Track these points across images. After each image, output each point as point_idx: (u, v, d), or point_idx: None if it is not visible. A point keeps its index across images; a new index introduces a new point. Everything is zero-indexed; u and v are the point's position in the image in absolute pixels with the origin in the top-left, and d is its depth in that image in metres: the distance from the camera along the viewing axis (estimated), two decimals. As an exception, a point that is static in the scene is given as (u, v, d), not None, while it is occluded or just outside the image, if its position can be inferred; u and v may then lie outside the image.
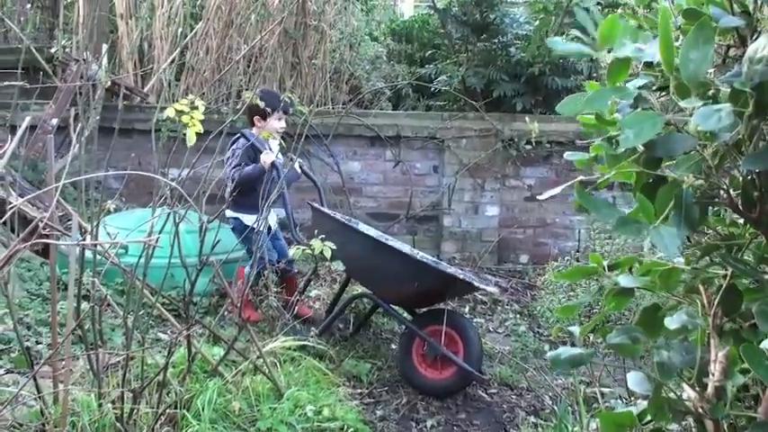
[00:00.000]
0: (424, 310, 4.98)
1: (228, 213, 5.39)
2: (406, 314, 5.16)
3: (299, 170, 5.57)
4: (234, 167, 5.22)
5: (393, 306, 4.96)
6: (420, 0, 12.16)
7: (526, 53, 7.76)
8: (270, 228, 5.33)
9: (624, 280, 1.77)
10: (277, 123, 5.39)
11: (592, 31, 1.61)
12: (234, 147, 5.34)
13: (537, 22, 7.94)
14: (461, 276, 4.64)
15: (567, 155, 1.83)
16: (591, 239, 7.23)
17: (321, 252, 4.32)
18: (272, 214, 5.34)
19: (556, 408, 4.45)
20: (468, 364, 4.54)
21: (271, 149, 5.29)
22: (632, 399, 1.87)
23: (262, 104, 5.06)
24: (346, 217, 5.48)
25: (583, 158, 1.77)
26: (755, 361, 1.35)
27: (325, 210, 4.97)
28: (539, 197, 1.86)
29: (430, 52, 9.57)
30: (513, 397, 4.82)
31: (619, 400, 4.28)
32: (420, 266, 4.63)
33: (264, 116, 5.35)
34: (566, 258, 7.01)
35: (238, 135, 5.42)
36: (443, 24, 8.45)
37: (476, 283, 4.71)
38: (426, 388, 4.72)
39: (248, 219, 5.26)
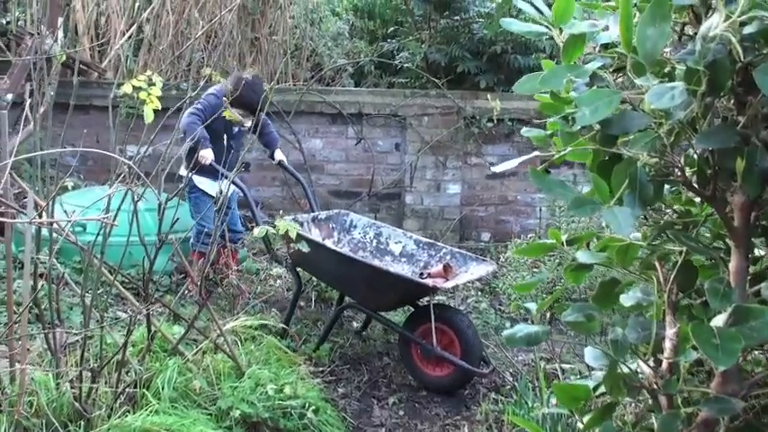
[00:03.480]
0: (421, 307, 4.83)
1: (182, 171, 5.33)
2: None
3: (281, 165, 5.72)
4: (192, 113, 5.11)
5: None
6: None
7: (488, 31, 7.76)
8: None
9: (581, 256, 1.79)
10: (239, 115, 5.03)
11: (545, 10, 1.61)
12: (205, 97, 5.30)
13: (499, 0, 7.95)
14: (432, 284, 4.59)
15: (524, 131, 1.83)
16: (552, 217, 7.29)
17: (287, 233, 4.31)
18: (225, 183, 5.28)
19: (516, 384, 4.50)
20: (467, 361, 4.47)
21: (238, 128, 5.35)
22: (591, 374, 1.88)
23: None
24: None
25: (539, 135, 1.77)
26: (703, 339, 1.36)
27: (303, 233, 4.74)
28: (493, 168, 1.85)
29: (392, 29, 9.53)
30: (475, 373, 4.86)
31: (578, 376, 4.33)
32: (392, 278, 4.61)
33: (233, 103, 4.95)
34: (528, 236, 7.06)
35: (214, 91, 5.39)
36: (406, 1, 8.41)
37: (448, 285, 4.71)
38: (430, 385, 4.68)
39: (203, 183, 5.32)
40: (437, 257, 5.14)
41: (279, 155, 5.85)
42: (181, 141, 4.96)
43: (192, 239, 5.39)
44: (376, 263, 5.01)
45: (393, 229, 5.51)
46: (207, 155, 5.05)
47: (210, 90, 5.41)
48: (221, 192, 5.19)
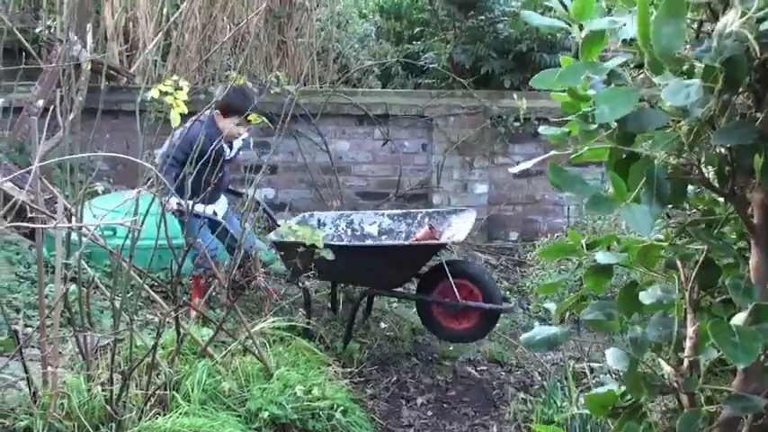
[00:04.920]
0: (428, 271, 4.95)
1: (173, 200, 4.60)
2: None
3: (259, 204, 5.17)
4: (170, 155, 4.52)
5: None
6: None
7: (513, 29, 7.74)
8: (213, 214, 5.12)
9: (602, 257, 1.78)
10: (234, 127, 4.94)
11: (568, 5, 1.60)
12: (184, 128, 4.59)
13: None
14: (433, 242, 4.72)
15: (541, 129, 1.83)
16: (580, 215, 7.26)
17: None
18: (219, 205, 5.24)
19: (545, 383, 4.49)
20: (491, 303, 4.63)
21: (230, 147, 5.10)
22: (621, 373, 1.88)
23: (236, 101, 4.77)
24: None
25: (557, 134, 1.76)
26: (722, 337, 1.36)
27: (291, 239, 4.60)
28: (510, 170, 1.85)
29: (418, 30, 9.53)
30: (503, 373, 4.86)
31: (608, 375, 4.31)
32: (390, 250, 4.71)
33: (225, 112, 4.89)
34: (556, 235, 7.03)
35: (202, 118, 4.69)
36: (431, 1, 8.41)
37: (445, 241, 4.76)
38: (457, 338, 4.88)
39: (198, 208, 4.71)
40: (415, 224, 5.21)
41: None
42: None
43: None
44: (384, 242, 5.13)
45: (362, 212, 5.57)
46: (170, 204, 4.48)
47: (196, 118, 4.74)
48: (215, 213, 5.17)
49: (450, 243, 4.82)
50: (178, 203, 4.59)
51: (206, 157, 3.75)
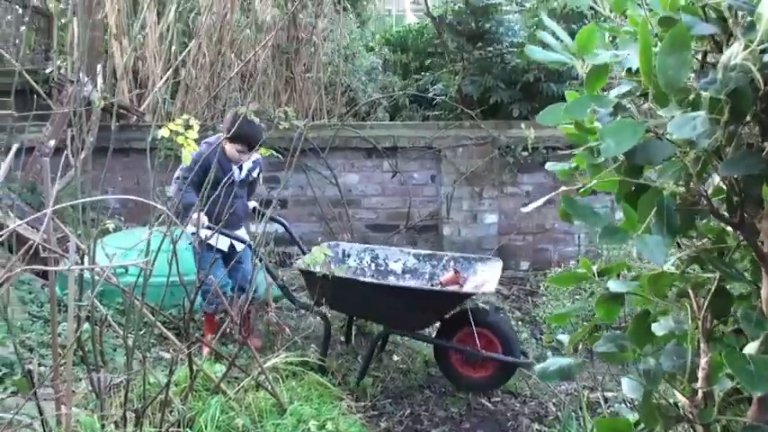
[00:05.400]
0: (451, 316, 4.87)
1: (190, 229, 4.55)
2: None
3: (272, 219, 5.17)
4: (176, 177, 4.82)
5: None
6: (417, 4, 12.15)
7: (520, 60, 7.79)
8: (231, 250, 5.19)
9: (613, 285, 1.78)
10: (236, 153, 5.03)
11: (568, 41, 1.62)
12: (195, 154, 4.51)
13: (531, 30, 7.99)
14: (463, 291, 4.66)
15: (548, 166, 1.84)
16: (591, 244, 7.25)
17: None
18: (242, 234, 5.22)
19: (559, 414, 4.46)
20: (509, 355, 4.63)
21: (240, 169, 5.15)
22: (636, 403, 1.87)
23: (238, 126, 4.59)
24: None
25: (564, 170, 1.78)
26: (737, 366, 1.36)
27: (316, 269, 4.66)
28: (523, 209, 1.86)
29: (427, 62, 9.60)
30: (517, 404, 4.82)
31: (623, 405, 4.28)
32: (420, 293, 4.69)
33: (231, 139, 4.84)
34: (571, 263, 7.01)
35: (209, 140, 5.03)
36: (439, 33, 8.48)
37: (475, 291, 4.70)
38: (471, 386, 4.83)
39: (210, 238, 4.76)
40: (440, 266, 5.19)
41: (252, 203, 5.55)
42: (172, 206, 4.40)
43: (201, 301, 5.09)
44: (413, 284, 5.06)
45: (388, 248, 5.54)
46: (198, 218, 4.34)
47: (205, 140, 5.02)
48: (233, 246, 5.20)
49: (480, 293, 4.81)
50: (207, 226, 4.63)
51: (212, 173, 3.84)
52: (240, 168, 5.13)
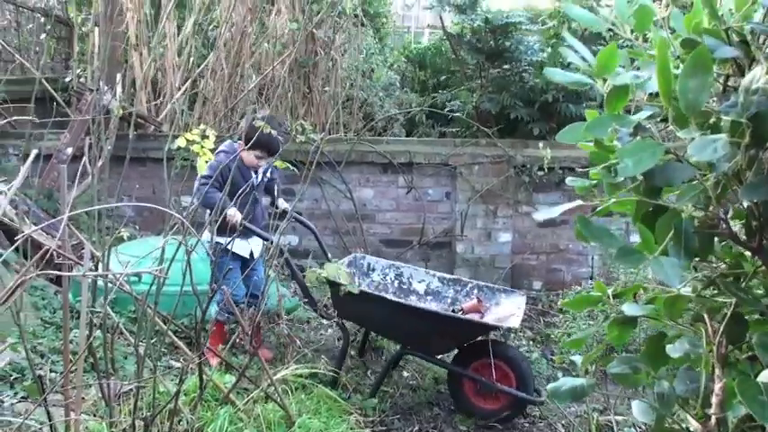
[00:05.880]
0: (470, 345, 4.86)
1: (206, 236, 4.49)
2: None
3: (295, 218, 5.21)
4: (202, 177, 4.57)
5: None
6: (434, 28, 12.18)
7: (539, 80, 7.78)
8: (251, 257, 5.20)
9: (628, 308, 1.77)
10: (254, 159, 5.04)
11: (591, 59, 1.62)
12: (215, 157, 4.62)
13: (550, 49, 7.99)
14: (491, 323, 4.64)
15: (569, 180, 1.83)
16: (604, 266, 7.22)
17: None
18: (255, 241, 5.22)
19: (569, 436, 4.43)
20: (523, 391, 4.59)
21: (255, 173, 5.13)
22: (646, 427, 1.85)
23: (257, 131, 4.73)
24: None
25: (583, 185, 1.77)
26: (749, 395, 1.34)
27: (346, 284, 4.65)
28: (535, 216, 1.85)
29: (444, 78, 9.61)
30: (526, 425, 4.79)
31: (632, 429, 4.25)
32: (446, 320, 4.65)
33: (249, 145, 4.66)
34: (589, 284, 6.98)
35: (224, 148, 5.06)
36: (455, 51, 8.49)
37: (499, 324, 4.67)
38: (480, 416, 4.76)
39: (235, 245, 4.89)
40: (463, 292, 5.17)
41: (282, 203, 5.44)
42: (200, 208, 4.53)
43: (214, 308, 5.03)
44: (439, 309, 5.03)
45: (414, 268, 5.53)
46: (234, 214, 4.69)
47: (220, 147, 5.04)
48: (252, 254, 5.20)
49: (506, 328, 4.80)
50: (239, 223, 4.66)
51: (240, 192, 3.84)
52: (255, 173, 5.13)
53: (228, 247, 4.51)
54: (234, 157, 4.47)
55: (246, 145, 4.72)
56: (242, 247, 5.07)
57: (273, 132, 4.81)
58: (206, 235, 4.62)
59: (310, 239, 7.44)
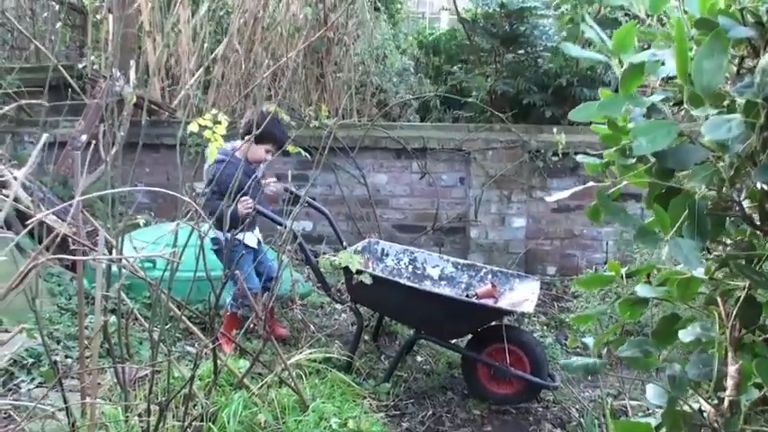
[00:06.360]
0: (484, 330, 4.87)
1: (212, 233, 4.56)
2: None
3: (308, 203, 5.02)
4: (211, 198, 4.41)
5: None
6: (450, 13, 12.13)
7: (553, 64, 7.75)
8: (259, 245, 5.20)
9: (641, 289, 1.76)
10: (263, 153, 4.98)
11: (607, 39, 1.60)
12: (215, 168, 4.44)
13: (564, 34, 7.94)
14: (505, 308, 4.62)
15: (579, 158, 1.82)
16: (618, 251, 7.20)
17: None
18: (257, 232, 5.22)
19: (582, 420, 4.43)
20: (537, 377, 4.60)
21: (256, 171, 4.95)
22: (654, 411, 1.84)
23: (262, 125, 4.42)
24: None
25: (594, 163, 1.75)
26: (768, 375, 1.34)
27: (364, 269, 4.64)
28: (547, 199, 1.85)
29: (458, 64, 9.58)
30: (540, 409, 4.79)
31: (644, 414, 4.24)
32: (461, 305, 4.64)
33: (258, 140, 4.71)
34: (603, 269, 6.95)
35: (220, 157, 4.49)
36: (469, 36, 8.45)
37: (514, 309, 4.65)
38: (493, 401, 4.78)
39: (246, 238, 4.95)
40: (478, 278, 5.16)
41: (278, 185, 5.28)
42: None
43: (228, 299, 5.10)
44: (453, 294, 5.03)
45: (428, 253, 5.52)
46: (246, 203, 4.67)
47: (218, 157, 4.35)
48: (259, 242, 5.19)
49: (519, 313, 4.82)
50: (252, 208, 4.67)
51: (245, 189, 3.80)
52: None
53: (237, 238, 4.56)
54: (237, 161, 4.30)
55: (256, 141, 4.69)
56: (250, 238, 5.07)
57: (282, 123, 4.80)
58: (210, 232, 4.63)
59: (324, 225, 7.47)
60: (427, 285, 5.20)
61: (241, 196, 4.01)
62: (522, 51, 8.18)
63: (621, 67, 1.59)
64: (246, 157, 4.75)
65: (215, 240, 4.80)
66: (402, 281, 4.97)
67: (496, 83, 8.04)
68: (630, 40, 1.60)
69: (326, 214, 5.35)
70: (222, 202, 3.96)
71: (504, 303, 4.78)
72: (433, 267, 5.36)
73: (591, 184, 1.72)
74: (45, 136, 1.99)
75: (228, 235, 3.80)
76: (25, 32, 8.78)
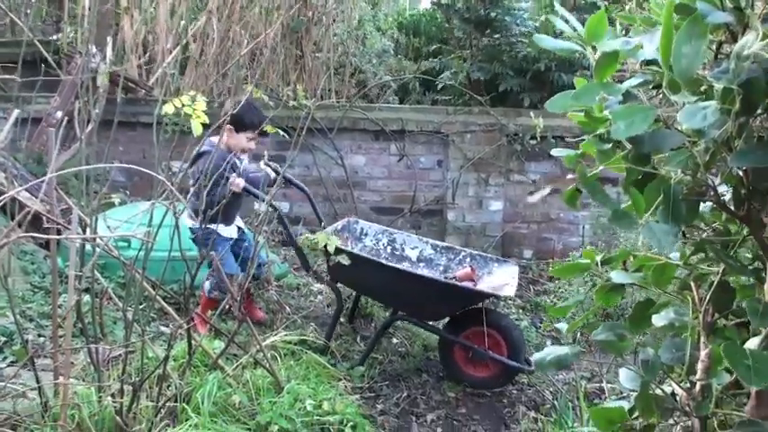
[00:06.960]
0: (463, 312, 4.85)
1: (190, 223, 4.77)
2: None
3: (287, 179, 5.05)
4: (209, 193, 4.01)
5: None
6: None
7: (531, 48, 7.75)
8: (240, 233, 5.17)
9: (616, 276, 1.77)
10: (246, 142, 4.88)
11: (579, 28, 1.60)
12: (200, 162, 4.56)
13: (542, 18, 7.96)
14: (487, 291, 4.64)
15: (555, 151, 1.82)
16: (594, 235, 7.23)
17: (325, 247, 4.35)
18: (239, 221, 5.19)
19: (556, 403, 4.46)
20: (514, 360, 4.61)
21: (240, 159, 4.93)
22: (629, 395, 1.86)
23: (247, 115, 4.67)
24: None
25: (571, 155, 1.76)
26: (736, 359, 1.34)
27: (344, 247, 4.68)
28: (529, 199, 1.85)
29: (436, 47, 9.56)
30: (514, 392, 4.82)
31: (618, 397, 4.28)
32: (441, 286, 4.65)
33: (238, 128, 4.76)
34: (578, 252, 6.99)
35: (203, 150, 4.55)
36: (447, 20, 8.45)
37: (495, 292, 4.66)
38: (474, 384, 4.79)
39: (221, 229, 4.80)
40: (456, 261, 5.17)
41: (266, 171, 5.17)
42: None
43: (208, 285, 5.02)
44: (435, 275, 5.04)
45: (407, 234, 5.52)
46: (237, 182, 4.59)
47: (203, 148, 4.50)
48: (240, 229, 5.15)
49: (502, 297, 4.85)
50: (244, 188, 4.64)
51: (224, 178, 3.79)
52: (240, 160, 5.00)
53: (221, 233, 4.67)
54: (223, 155, 4.31)
55: (236, 130, 4.68)
56: (229, 230, 5.02)
57: (256, 106, 4.77)
58: (188, 221, 4.72)
59: (301, 206, 7.46)
60: (406, 266, 5.20)
61: (225, 182, 4.00)
62: (497, 36, 8.18)
63: (595, 55, 1.59)
64: (229, 147, 4.74)
65: (193, 230, 4.80)
66: (385, 261, 4.97)
67: (472, 67, 8.03)
68: (603, 28, 1.59)
69: (306, 191, 5.31)
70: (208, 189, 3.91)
71: (483, 287, 4.79)
72: (412, 249, 5.36)
73: (570, 177, 1.72)
74: (16, 112, 1.96)
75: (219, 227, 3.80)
76: (0, 5, 8.65)
